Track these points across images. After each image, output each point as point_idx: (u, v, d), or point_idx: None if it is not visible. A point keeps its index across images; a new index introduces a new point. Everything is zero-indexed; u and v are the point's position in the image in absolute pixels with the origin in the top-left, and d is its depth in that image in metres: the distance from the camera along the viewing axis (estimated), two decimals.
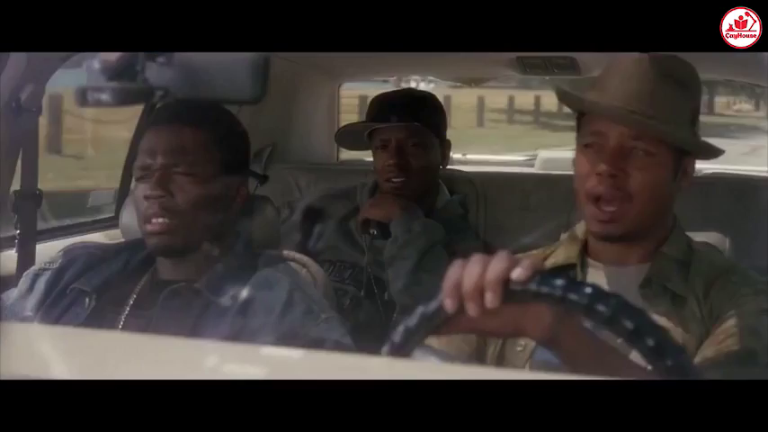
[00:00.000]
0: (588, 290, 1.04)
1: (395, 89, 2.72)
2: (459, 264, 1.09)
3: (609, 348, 1.19)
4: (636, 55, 1.48)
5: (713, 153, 1.54)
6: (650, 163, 1.46)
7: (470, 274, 1.07)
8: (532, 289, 1.05)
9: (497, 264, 1.07)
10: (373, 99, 2.62)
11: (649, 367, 1.04)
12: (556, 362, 1.17)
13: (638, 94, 1.46)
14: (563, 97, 1.56)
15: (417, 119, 2.47)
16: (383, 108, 2.53)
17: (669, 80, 1.47)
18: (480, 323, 1.10)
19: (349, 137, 2.72)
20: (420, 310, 1.09)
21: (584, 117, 1.52)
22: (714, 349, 1.39)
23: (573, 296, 1.04)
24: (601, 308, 1.03)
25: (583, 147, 1.50)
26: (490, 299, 1.06)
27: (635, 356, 1.15)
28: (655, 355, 1.01)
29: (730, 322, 1.40)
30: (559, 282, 1.05)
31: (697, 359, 1.38)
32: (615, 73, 1.50)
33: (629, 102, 1.45)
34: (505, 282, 1.06)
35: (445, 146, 2.58)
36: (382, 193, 2.52)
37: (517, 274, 1.06)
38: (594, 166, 1.46)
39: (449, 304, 1.08)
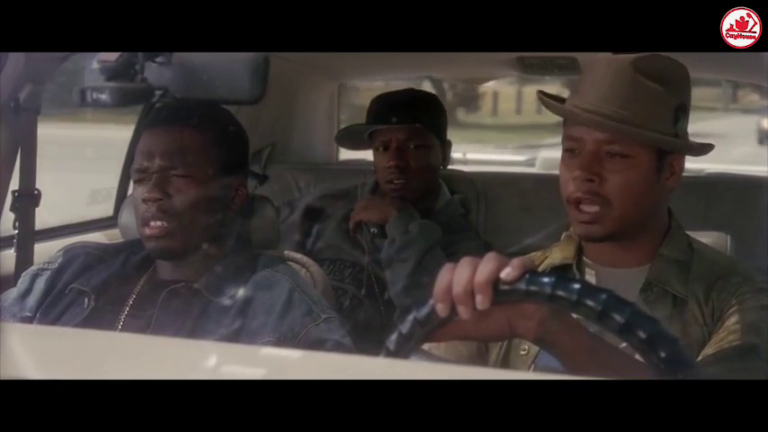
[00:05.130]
0: (577, 286, 1.04)
1: (397, 89, 2.69)
2: (448, 267, 1.10)
3: (607, 345, 1.19)
4: (608, 54, 1.48)
5: (700, 150, 1.54)
6: (627, 165, 1.45)
7: (460, 277, 1.08)
8: (522, 288, 1.06)
9: (486, 265, 1.07)
10: (374, 99, 2.61)
11: (643, 360, 1.03)
12: (560, 366, 1.17)
13: (610, 97, 1.45)
14: (544, 103, 1.57)
15: (418, 120, 2.46)
16: (384, 109, 2.53)
17: (646, 79, 1.46)
18: (473, 327, 1.11)
19: (350, 137, 2.72)
20: (412, 316, 1.09)
21: (565, 121, 1.52)
22: (716, 346, 1.38)
23: (562, 293, 1.04)
24: (591, 303, 1.03)
25: (564, 151, 1.51)
26: (480, 300, 1.06)
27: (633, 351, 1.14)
28: (647, 348, 1.01)
29: (731, 320, 1.40)
30: (548, 279, 1.05)
31: (699, 358, 1.37)
32: (590, 75, 1.50)
33: (602, 105, 1.45)
34: (495, 283, 1.06)
35: (446, 146, 2.57)
36: (383, 194, 2.52)
37: (506, 274, 1.06)
38: (572, 170, 1.47)
39: (441, 309, 1.08)
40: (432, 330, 1.10)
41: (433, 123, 2.51)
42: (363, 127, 2.57)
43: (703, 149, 1.55)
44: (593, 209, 1.46)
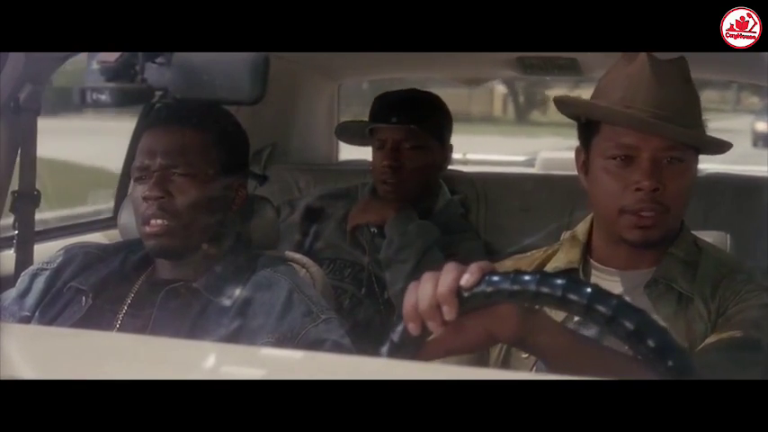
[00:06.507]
0: (533, 277, 1.05)
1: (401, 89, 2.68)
2: (413, 286, 1.11)
3: (588, 339, 1.19)
4: (647, 57, 1.47)
5: (726, 148, 1.55)
6: (682, 170, 1.47)
7: (423, 292, 1.09)
8: (484, 291, 1.07)
9: (446, 276, 1.08)
10: (377, 97, 2.61)
11: (646, 364, 1.03)
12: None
13: (669, 101, 1.45)
14: (575, 105, 1.54)
15: (416, 121, 2.46)
16: (384, 107, 2.53)
17: (686, 81, 1.48)
18: (454, 341, 1.12)
19: (348, 132, 2.72)
20: (389, 341, 1.10)
21: (600, 127, 1.49)
22: (718, 336, 1.39)
23: (519, 287, 1.06)
24: (547, 291, 1.04)
25: (607, 159, 1.47)
26: (447, 311, 1.07)
27: (611, 343, 1.14)
28: (636, 340, 1.01)
29: (735, 315, 1.41)
30: (505, 277, 1.06)
31: (700, 346, 1.39)
32: (635, 78, 1.47)
33: (663, 110, 1.44)
34: (458, 291, 1.08)
35: (446, 149, 2.57)
36: (378, 192, 2.52)
37: (465, 280, 1.07)
38: (631, 180, 1.45)
39: (412, 328, 1.09)
40: (414, 351, 1.10)
41: (431, 125, 2.50)
42: (361, 124, 2.58)
43: (726, 147, 1.57)
44: (651, 213, 1.45)
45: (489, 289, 1.06)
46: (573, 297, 1.03)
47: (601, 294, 1.03)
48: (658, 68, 1.46)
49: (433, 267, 1.14)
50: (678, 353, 1.01)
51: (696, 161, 1.50)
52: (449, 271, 1.09)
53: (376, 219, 2.43)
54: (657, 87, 1.45)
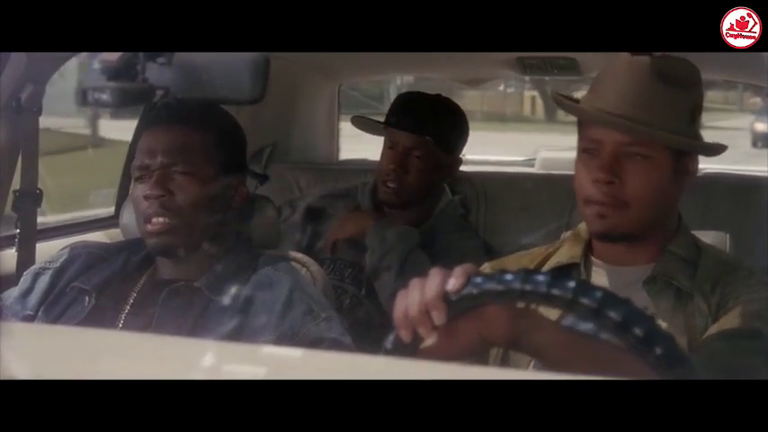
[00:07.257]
0: (516, 275, 1.06)
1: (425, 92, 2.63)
2: (402, 294, 1.12)
3: (583, 336, 1.19)
4: (627, 56, 1.48)
5: (714, 151, 1.55)
6: (647, 167, 1.46)
7: (412, 300, 1.10)
8: (471, 293, 1.08)
9: (432, 282, 1.10)
10: (400, 95, 2.60)
11: (637, 356, 1.04)
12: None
13: (630, 98, 1.45)
14: (559, 102, 1.57)
15: (429, 132, 2.45)
16: (403, 110, 2.52)
17: (664, 80, 1.47)
18: (447, 346, 1.12)
19: (364, 126, 2.71)
20: (383, 345, 1.11)
21: (581, 122, 1.52)
22: (720, 325, 1.40)
23: (503, 287, 1.06)
24: (531, 288, 1.05)
25: (581, 151, 1.50)
26: (436, 316, 1.09)
27: (608, 339, 1.15)
28: (641, 345, 1.01)
29: (737, 308, 1.42)
30: (490, 278, 1.07)
31: (704, 337, 1.40)
32: (608, 76, 1.50)
33: (622, 106, 1.45)
34: (445, 296, 1.09)
35: (456, 160, 2.57)
36: (379, 191, 2.52)
37: (451, 285, 1.08)
38: (591, 172, 1.47)
39: (404, 335, 1.11)
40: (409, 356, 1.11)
41: (445, 138, 2.49)
42: (377, 123, 2.58)
43: (717, 150, 1.56)
44: (606, 206, 1.46)
45: (475, 291, 1.08)
46: (557, 292, 1.04)
47: (585, 288, 1.04)
48: (627, 66, 1.47)
49: (417, 269, 1.15)
50: (665, 339, 1.01)
51: (673, 161, 1.48)
52: (434, 276, 1.10)
53: (354, 232, 2.43)
54: (617, 83, 1.47)
